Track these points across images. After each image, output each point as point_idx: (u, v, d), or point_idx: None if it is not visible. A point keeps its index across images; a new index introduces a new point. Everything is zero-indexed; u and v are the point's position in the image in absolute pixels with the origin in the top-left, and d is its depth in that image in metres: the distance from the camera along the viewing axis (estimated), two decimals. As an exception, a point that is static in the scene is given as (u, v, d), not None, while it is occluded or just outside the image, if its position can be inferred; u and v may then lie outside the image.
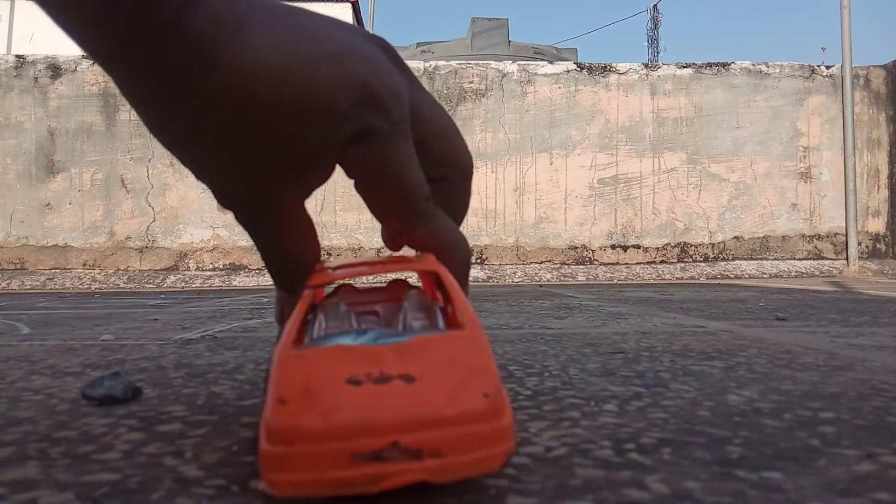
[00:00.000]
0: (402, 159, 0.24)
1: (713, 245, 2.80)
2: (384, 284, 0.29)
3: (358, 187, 0.25)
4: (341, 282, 0.26)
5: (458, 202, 0.28)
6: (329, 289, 0.27)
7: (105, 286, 2.47)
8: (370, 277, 1.95)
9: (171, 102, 0.21)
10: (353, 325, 0.24)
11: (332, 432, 0.17)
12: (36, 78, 2.71)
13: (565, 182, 2.79)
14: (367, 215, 2.67)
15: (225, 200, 0.24)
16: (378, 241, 2.67)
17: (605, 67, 2.82)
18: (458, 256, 0.27)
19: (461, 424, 0.18)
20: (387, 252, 0.30)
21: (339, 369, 0.19)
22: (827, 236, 2.82)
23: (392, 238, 0.29)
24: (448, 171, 0.27)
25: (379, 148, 0.23)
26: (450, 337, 0.20)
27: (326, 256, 2.69)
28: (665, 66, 2.85)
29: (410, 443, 0.17)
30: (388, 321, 0.26)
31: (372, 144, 0.23)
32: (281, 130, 0.22)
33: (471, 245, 2.72)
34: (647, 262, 2.78)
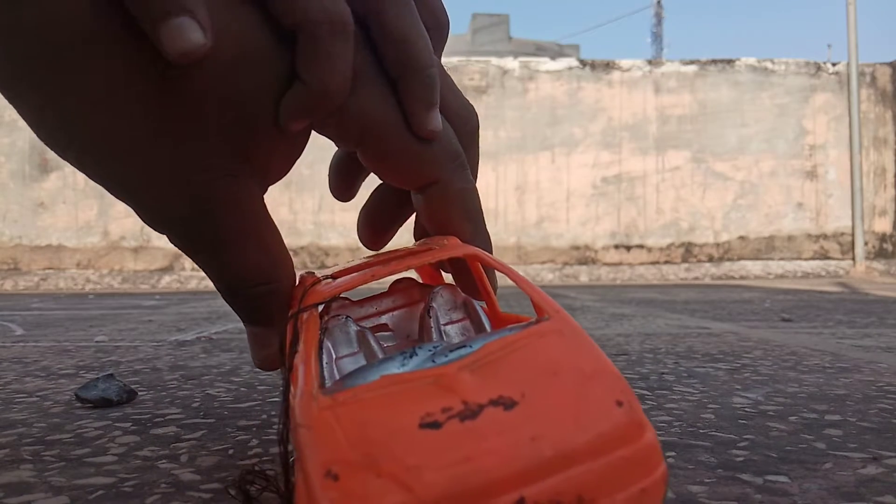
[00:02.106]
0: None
1: (718, 245, 2.79)
2: (384, 290, 0.23)
3: (364, 155, 0.20)
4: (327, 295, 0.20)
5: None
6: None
7: (99, 286, 2.49)
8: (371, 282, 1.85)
9: (57, 67, 0.15)
10: (375, 348, 0.19)
11: None
12: (37, 77, 2.71)
13: (567, 181, 2.78)
14: (369, 215, 2.67)
15: (155, 216, 0.18)
16: (381, 241, 2.67)
17: (608, 64, 2.81)
18: (484, 233, 0.22)
19: (601, 453, 0.13)
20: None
21: (403, 411, 0.13)
22: (833, 236, 2.81)
23: (377, 225, 0.24)
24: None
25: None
26: (536, 332, 0.15)
27: (324, 257, 2.70)
28: (669, 63, 2.83)
29: (543, 496, 0.12)
30: (406, 335, 0.21)
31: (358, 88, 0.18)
32: (215, 88, 0.16)
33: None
34: (651, 263, 2.77)
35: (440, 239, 0.21)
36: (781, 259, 2.78)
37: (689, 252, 2.79)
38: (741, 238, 2.79)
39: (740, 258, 2.78)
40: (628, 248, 2.79)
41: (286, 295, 0.19)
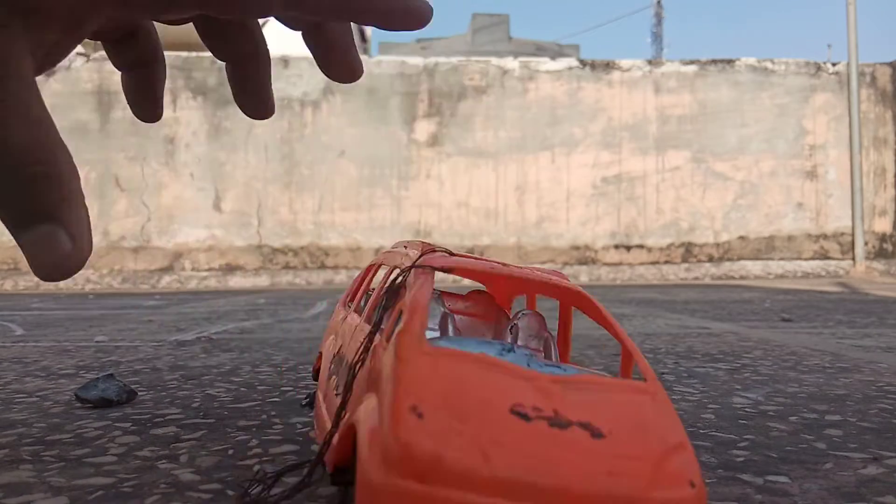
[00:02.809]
0: None
1: (718, 245, 2.79)
2: (460, 292, 0.24)
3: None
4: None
5: None
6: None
7: (99, 286, 2.48)
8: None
9: None
10: (451, 334, 0.20)
11: (495, 481, 0.12)
12: (33, 76, 2.71)
13: (567, 181, 2.78)
14: (365, 215, 2.67)
15: None
16: (376, 242, 2.67)
17: (608, 64, 2.81)
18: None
19: None
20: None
21: (498, 390, 0.13)
22: (833, 236, 2.81)
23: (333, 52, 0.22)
24: None
25: None
26: (633, 388, 0.15)
27: (324, 257, 2.70)
28: (669, 63, 2.83)
29: None
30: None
31: None
32: None
33: (471, 245, 2.72)
34: (651, 263, 2.77)
35: (555, 273, 0.22)
36: (781, 259, 2.78)
37: (689, 252, 2.79)
38: (741, 238, 2.79)
39: (740, 258, 2.78)
40: (628, 248, 2.79)
41: (67, 186, 0.16)
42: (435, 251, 0.19)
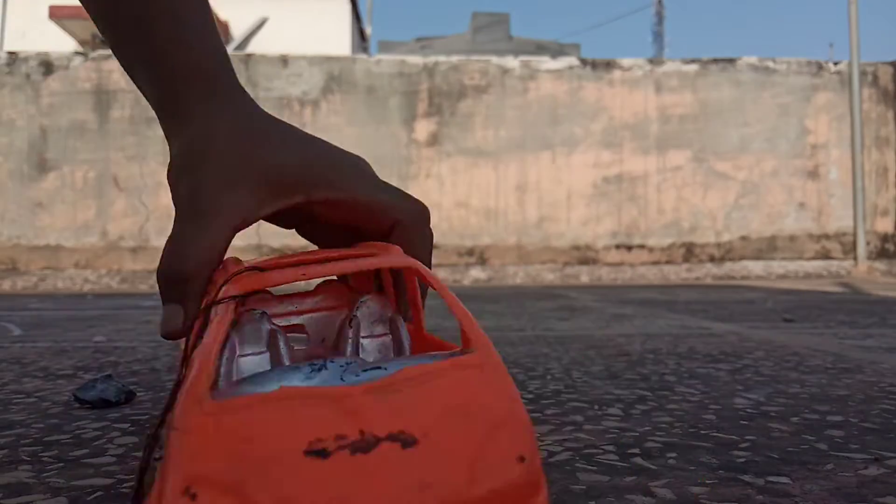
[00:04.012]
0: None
1: (719, 245, 2.79)
2: (310, 288, 0.22)
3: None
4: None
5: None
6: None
7: (97, 287, 2.48)
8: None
9: None
10: (283, 352, 0.18)
11: None
12: (28, 75, 2.71)
13: (568, 180, 2.78)
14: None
15: None
16: (381, 241, 2.67)
17: (609, 63, 2.81)
18: (427, 234, 0.22)
19: None
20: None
21: (293, 432, 0.12)
22: (835, 236, 2.80)
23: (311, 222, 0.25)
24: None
25: None
26: (459, 365, 0.14)
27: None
28: (670, 62, 2.83)
29: None
30: (322, 339, 0.20)
31: None
32: None
33: (472, 245, 2.72)
34: (652, 263, 2.77)
35: (383, 245, 0.20)
36: (783, 259, 2.78)
37: (690, 252, 2.78)
38: (743, 238, 2.79)
39: (742, 258, 2.78)
40: (629, 248, 2.78)
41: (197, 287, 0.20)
42: (241, 272, 0.18)
